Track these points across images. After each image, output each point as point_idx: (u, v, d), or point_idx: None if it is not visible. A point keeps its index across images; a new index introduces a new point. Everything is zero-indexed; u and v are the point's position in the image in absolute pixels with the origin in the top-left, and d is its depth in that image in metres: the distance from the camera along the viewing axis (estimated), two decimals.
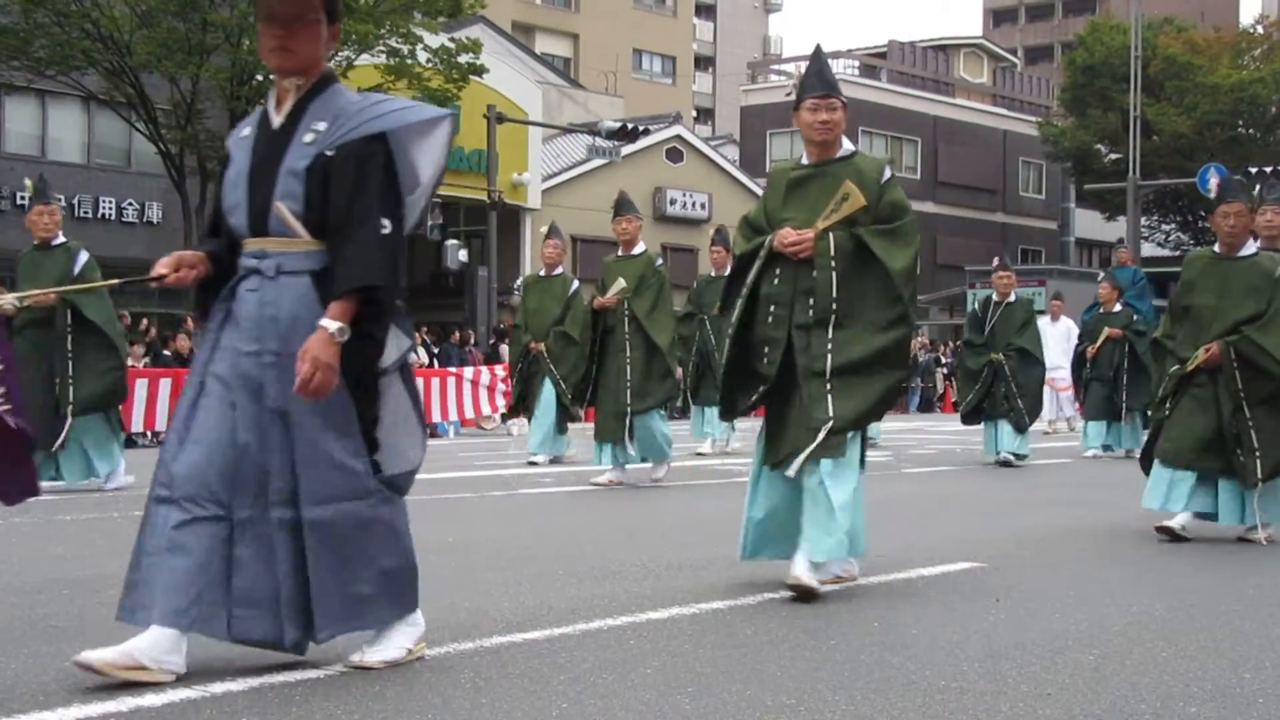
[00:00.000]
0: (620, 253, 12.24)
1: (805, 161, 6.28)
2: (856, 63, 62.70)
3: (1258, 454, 7.92)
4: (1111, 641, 5.05)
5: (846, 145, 6.25)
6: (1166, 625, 5.41)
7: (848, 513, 5.94)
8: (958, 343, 22.44)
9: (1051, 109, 61.06)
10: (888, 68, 60.92)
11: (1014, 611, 5.65)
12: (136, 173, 30.77)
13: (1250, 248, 8.27)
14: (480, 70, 28.40)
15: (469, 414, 22.24)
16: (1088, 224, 58.94)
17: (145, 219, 30.90)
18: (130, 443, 17.89)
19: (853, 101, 38.81)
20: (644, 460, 12.07)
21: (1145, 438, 9.28)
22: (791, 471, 5.96)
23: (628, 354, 11.82)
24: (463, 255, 31.93)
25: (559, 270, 14.38)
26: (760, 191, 46.87)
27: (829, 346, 5.98)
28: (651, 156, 42.57)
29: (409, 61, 27.20)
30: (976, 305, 15.73)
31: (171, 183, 27.47)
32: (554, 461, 14.32)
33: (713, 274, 16.29)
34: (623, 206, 12.19)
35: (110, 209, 30.33)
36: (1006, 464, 14.57)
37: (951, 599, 5.97)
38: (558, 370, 13.83)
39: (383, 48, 26.93)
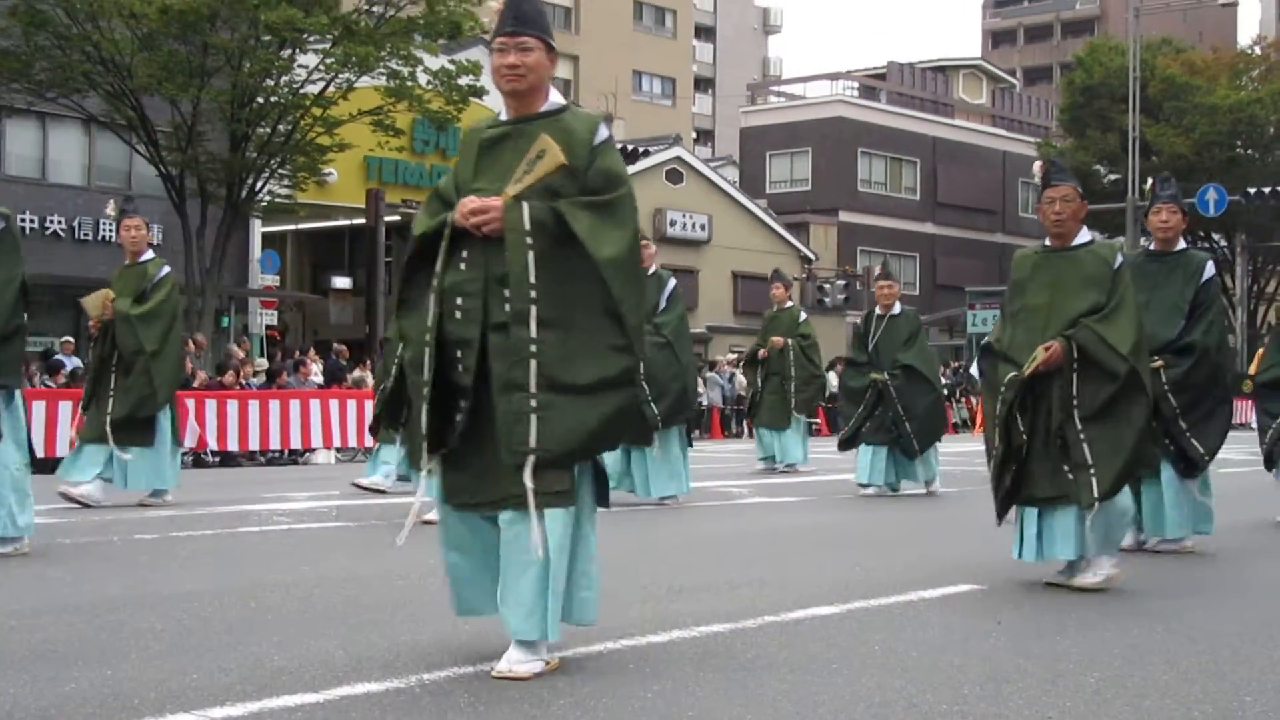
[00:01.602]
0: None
1: (503, 118, 5.08)
2: (856, 84, 62.78)
3: (1092, 470, 6.77)
4: (1113, 664, 5.05)
5: (555, 99, 5.02)
6: (1167, 648, 5.41)
7: (555, 573, 4.72)
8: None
9: (1050, 130, 61.14)
10: (887, 89, 61.00)
11: (1015, 634, 5.64)
12: (137, 195, 30.68)
13: (1084, 236, 7.28)
14: (480, 92, 28.41)
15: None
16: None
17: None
18: None
19: (852, 123, 39.00)
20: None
21: None
22: (533, 536, 4.68)
23: None
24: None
25: None
26: (760, 213, 46.77)
27: (533, 349, 4.66)
28: (651, 178, 42.62)
29: (409, 84, 27.23)
30: (859, 320, 14.46)
31: (172, 205, 27.49)
32: None
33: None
34: None
35: (111, 231, 30.29)
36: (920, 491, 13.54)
37: (952, 622, 5.96)
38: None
39: (383, 70, 26.97)
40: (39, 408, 17.02)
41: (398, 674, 4.73)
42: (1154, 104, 48.74)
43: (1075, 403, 6.85)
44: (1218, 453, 8.39)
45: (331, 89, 27.24)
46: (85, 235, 29.80)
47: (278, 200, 29.24)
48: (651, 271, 11.80)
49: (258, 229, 33.53)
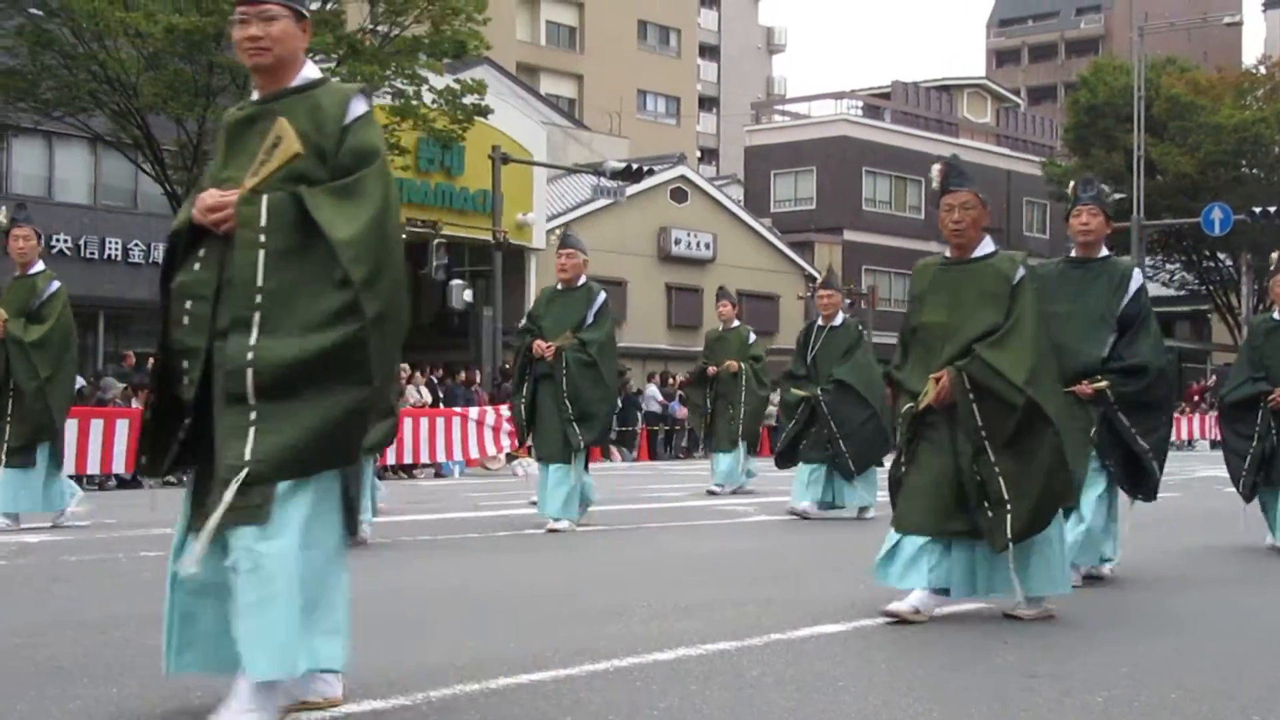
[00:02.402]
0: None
1: (255, 98, 4.51)
2: (860, 103, 62.86)
3: (1008, 508, 6.24)
4: (1119, 683, 5.03)
5: (309, 73, 4.51)
6: (1174, 666, 5.39)
7: (288, 606, 4.07)
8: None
9: (1055, 149, 61.19)
10: (891, 108, 61.06)
11: (1022, 652, 5.63)
12: (143, 214, 30.80)
13: (986, 247, 6.66)
14: (485, 111, 28.49)
15: (474, 454, 22.20)
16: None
17: (151, 260, 30.92)
18: (134, 482, 17.91)
19: (856, 142, 39.20)
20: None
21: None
22: (194, 553, 4.15)
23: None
24: (468, 295, 31.98)
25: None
26: (765, 232, 46.77)
27: (250, 357, 4.08)
28: (656, 197, 42.66)
29: (414, 103, 27.30)
30: (801, 331, 13.70)
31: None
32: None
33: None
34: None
35: (117, 250, 30.37)
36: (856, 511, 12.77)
37: (959, 640, 5.95)
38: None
39: (388, 89, 27.03)
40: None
41: (403, 692, 4.72)
42: (1159, 123, 48.77)
43: (984, 434, 6.32)
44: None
45: None
46: (91, 254, 29.84)
47: None
48: (581, 283, 11.33)
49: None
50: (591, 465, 12.33)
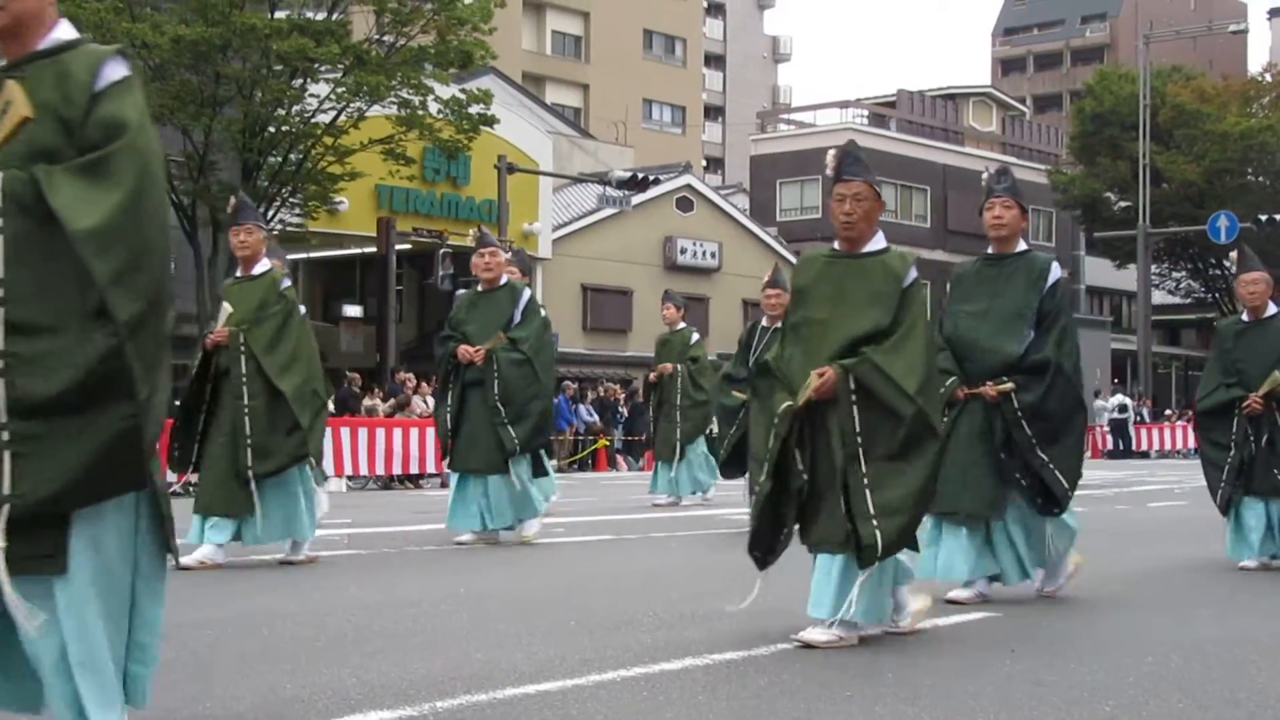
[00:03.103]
0: (240, 272, 9.57)
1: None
2: (866, 112, 62.91)
3: (875, 524, 5.78)
4: (1127, 692, 5.02)
5: (61, 33, 3.85)
6: (1183, 676, 5.38)
7: (79, 653, 3.61)
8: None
9: (1061, 157, 61.19)
10: (897, 117, 61.11)
11: (1029, 661, 5.62)
12: None
13: (877, 242, 6.26)
14: (491, 121, 28.51)
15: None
16: (1098, 272, 58.95)
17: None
18: None
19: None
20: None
21: None
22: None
23: (245, 401, 8.99)
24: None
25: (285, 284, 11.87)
26: (771, 241, 46.80)
27: (1, 365, 3.49)
28: (662, 206, 42.68)
29: (420, 113, 27.32)
30: (744, 332, 12.83)
31: (184, 234, 27.57)
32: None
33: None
34: (240, 213, 9.54)
35: None
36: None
37: (966, 649, 5.94)
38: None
39: (394, 99, 27.07)
40: None
41: (411, 702, 4.72)
42: (1164, 131, 48.79)
43: (860, 440, 5.87)
44: (1076, 486, 7.36)
45: (343, 118, 27.34)
46: None
47: (289, 229, 29.32)
48: (504, 282, 10.92)
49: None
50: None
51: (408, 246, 33.41)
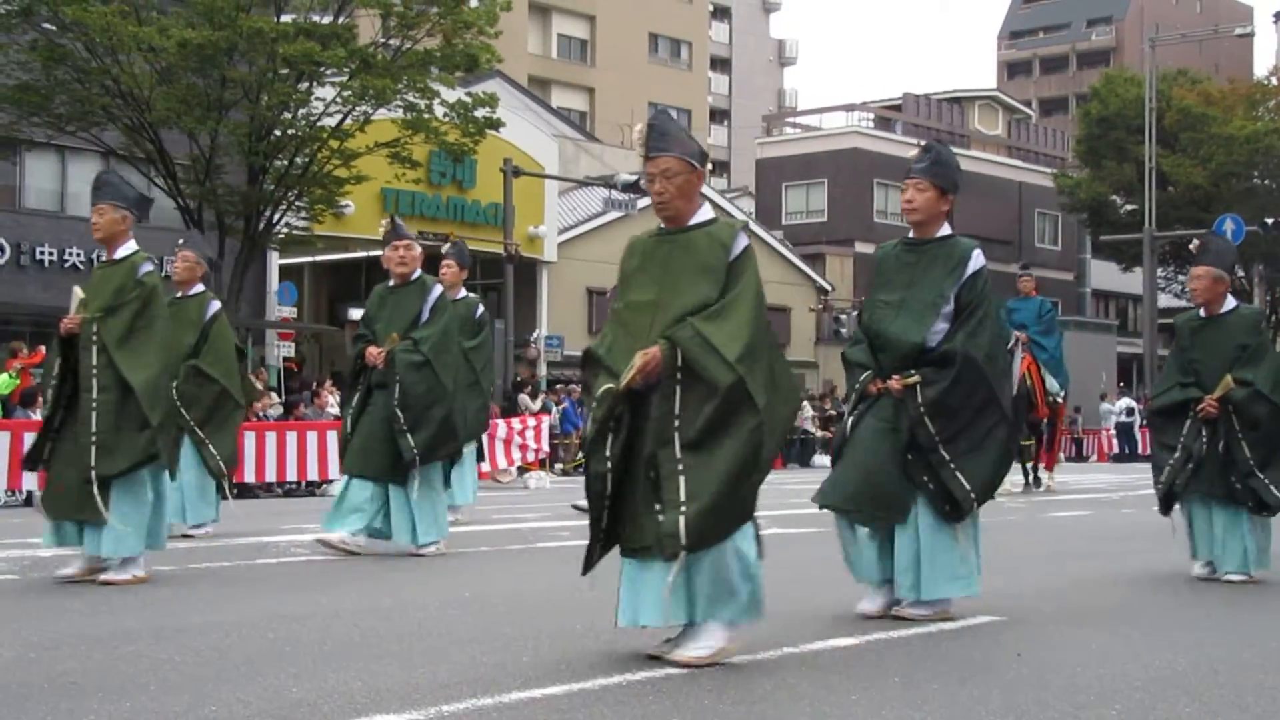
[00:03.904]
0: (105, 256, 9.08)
1: None
2: (871, 115, 62.89)
3: (683, 509, 5.28)
4: (1134, 696, 5.02)
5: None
6: (1189, 680, 5.38)
7: None
8: None
9: (1067, 160, 61.21)
10: (903, 120, 61.11)
11: (1035, 666, 5.62)
12: (155, 227, 30.82)
13: (704, 214, 5.78)
14: (497, 124, 28.53)
15: (485, 467, 22.21)
16: (1104, 275, 58.96)
17: (164, 273, 31.03)
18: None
19: (868, 154, 39.15)
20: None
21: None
22: None
23: (94, 395, 8.26)
24: (479, 308, 32.02)
25: (197, 289, 11.75)
26: (776, 244, 46.84)
27: None
28: None
29: (426, 116, 27.35)
30: None
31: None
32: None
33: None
34: (95, 191, 9.20)
35: None
36: None
37: (972, 654, 5.93)
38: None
39: (400, 102, 27.09)
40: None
41: (416, 705, 4.72)
42: (1170, 135, 48.79)
43: (677, 424, 5.39)
44: (993, 492, 6.82)
45: (349, 121, 27.36)
46: None
47: (295, 232, 29.34)
48: (415, 277, 10.24)
49: (275, 261, 33.64)
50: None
51: None
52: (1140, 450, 38.74)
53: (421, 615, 7.00)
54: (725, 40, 76.79)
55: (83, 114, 26.19)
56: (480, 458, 13.25)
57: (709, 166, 5.85)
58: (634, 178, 35.03)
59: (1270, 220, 40.86)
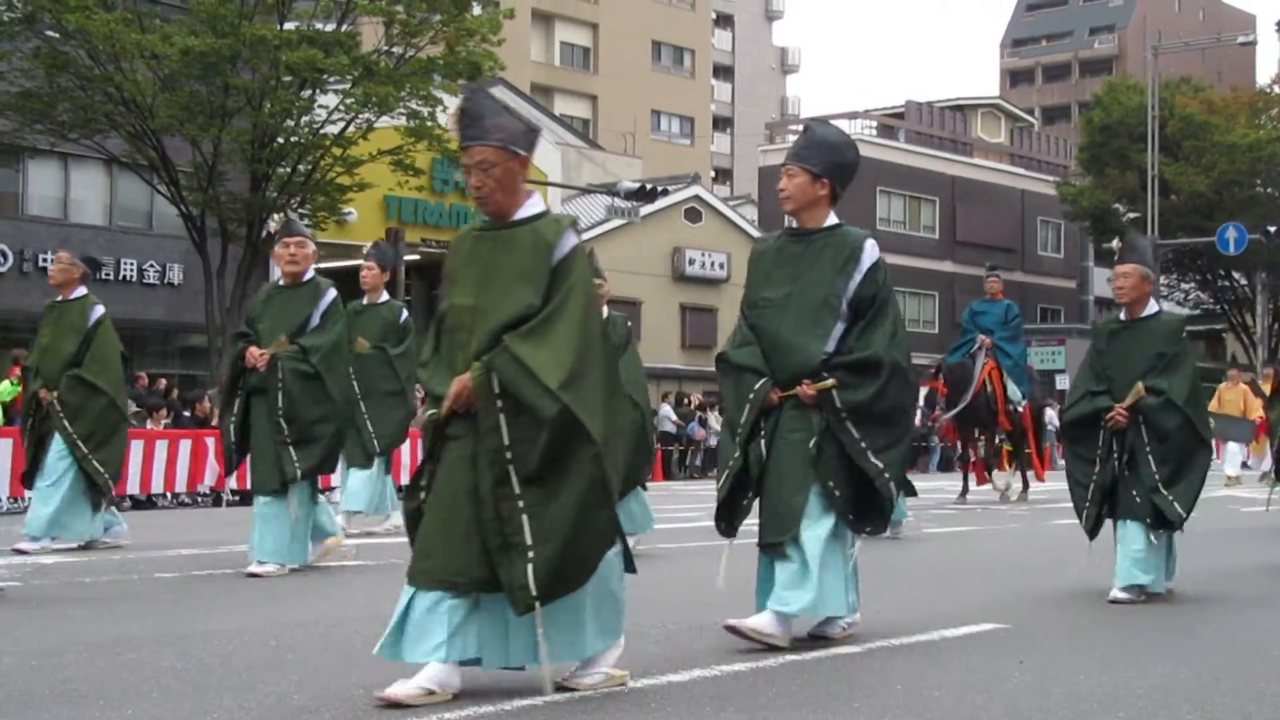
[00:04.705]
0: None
1: None
2: (874, 123, 62.90)
3: (530, 556, 4.80)
4: (1136, 704, 5.01)
5: None
6: (1191, 688, 5.37)
7: None
8: None
9: (1069, 168, 61.19)
10: (905, 128, 61.10)
11: (1037, 674, 5.61)
12: (158, 235, 30.92)
13: (532, 207, 5.17)
14: None
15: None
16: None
17: (166, 280, 31.03)
18: (148, 503, 17.93)
19: (870, 161, 39.21)
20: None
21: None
22: None
23: None
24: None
25: (78, 292, 11.28)
26: None
27: None
28: (670, 216, 42.71)
29: (429, 123, 27.36)
30: None
31: (193, 244, 27.62)
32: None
33: (364, 301, 13.32)
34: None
35: (132, 271, 30.48)
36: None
37: (974, 661, 5.93)
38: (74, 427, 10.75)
39: (403, 110, 27.12)
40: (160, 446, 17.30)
41: (417, 713, 4.72)
42: (1173, 143, 48.77)
43: (509, 456, 4.85)
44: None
45: (351, 129, 27.38)
46: (107, 275, 29.93)
47: None
48: (308, 278, 9.62)
49: (278, 268, 33.66)
50: None
51: (416, 257, 33.46)
52: None
53: None
54: (728, 48, 76.85)
55: (86, 121, 26.22)
56: (387, 469, 12.57)
57: (537, 147, 5.26)
58: (636, 185, 35.07)
59: (1273, 228, 40.81)
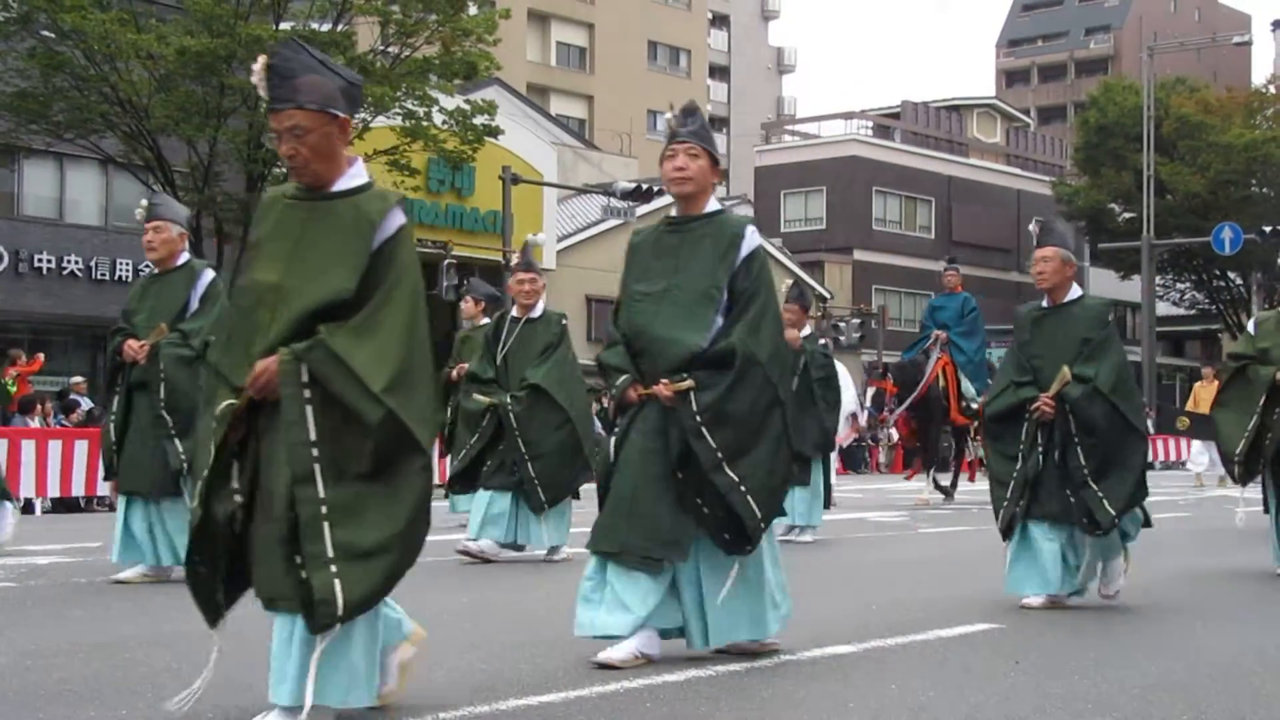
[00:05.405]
0: None
1: None
2: (870, 123, 62.94)
3: (335, 568, 4.26)
4: (1131, 704, 5.02)
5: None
6: (1186, 687, 5.37)
7: None
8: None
9: (1065, 169, 61.26)
10: (901, 128, 61.14)
11: (1033, 673, 5.62)
12: None
13: (356, 177, 4.58)
14: (495, 132, 28.53)
15: None
16: (1102, 283, 58.83)
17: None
18: None
19: (867, 162, 39.28)
20: None
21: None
22: None
23: None
24: None
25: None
26: (775, 252, 46.76)
27: None
28: None
29: (425, 124, 27.35)
30: (490, 324, 10.80)
31: (189, 244, 27.60)
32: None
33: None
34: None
35: (127, 271, 30.44)
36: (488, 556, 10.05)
37: (970, 661, 5.93)
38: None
39: (399, 110, 27.10)
40: (55, 447, 16.97)
41: (413, 713, 4.72)
42: (1168, 143, 48.82)
43: (316, 454, 4.28)
44: (774, 514, 5.75)
45: None
46: (102, 275, 29.92)
47: None
48: (182, 262, 8.95)
49: None
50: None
51: None
52: None
53: (419, 622, 6.98)
54: (724, 48, 76.82)
55: (81, 121, 26.19)
56: None
57: (361, 103, 4.59)
58: (632, 185, 35.06)
59: (1268, 228, 40.84)
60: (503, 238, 32.34)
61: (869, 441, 31.52)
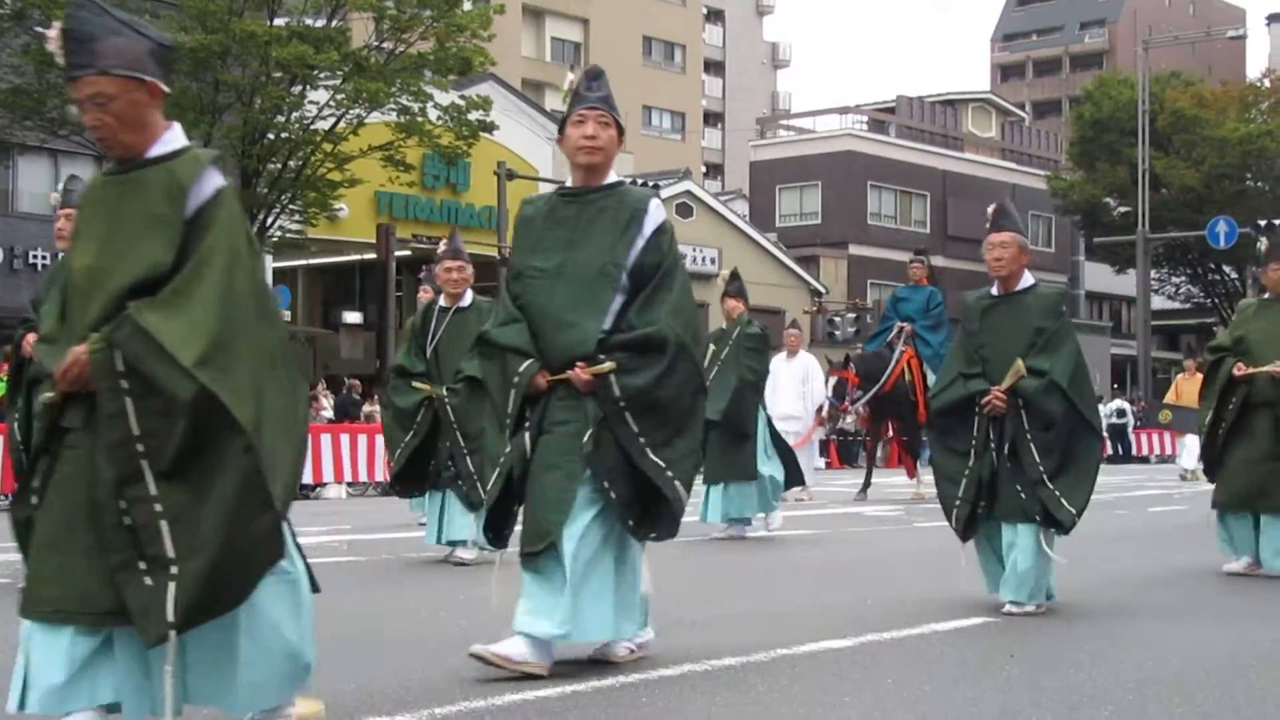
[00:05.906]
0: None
1: None
2: (865, 117, 62.92)
3: (173, 571, 3.75)
4: (1126, 698, 5.02)
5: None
6: (1182, 681, 5.38)
7: None
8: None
9: (1060, 163, 61.26)
10: (896, 122, 61.10)
11: (1028, 668, 5.62)
12: None
13: (170, 142, 4.14)
14: (490, 127, 28.53)
15: None
16: (1097, 277, 59.00)
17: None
18: None
19: (862, 156, 39.25)
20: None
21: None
22: None
23: None
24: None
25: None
26: (770, 247, 46.81)
27: None
28: None
29: (420, 119, 27.35)
30: (417, 315, 10.30)
31: None
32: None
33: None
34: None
35: None
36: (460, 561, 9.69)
37: (965, 655, 5.94)
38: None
39: (393, 105, 27.11)
40: None
41: (409, 708, 4.72)
42: (1163, 137, 48.85)
43: (141, 450, 3.81)
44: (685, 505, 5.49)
45: (342, 125, 27.37)
46: None
47: (289, 236, 29.34)
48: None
49: (269, 264, 33.64)
50: None
51: (407, 253, 33.42)
52: (1134, 451, 38.82)
53: (415, 618, 6.99)
54: (719, 43, 76.79)
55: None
56: None
57: (173, 64, 4.30)
58: (628, 180, 35.04)
59: (1263, 222, 40.86)
60: (498, 233, 32.34)
61: (833, 436, 31.37)
